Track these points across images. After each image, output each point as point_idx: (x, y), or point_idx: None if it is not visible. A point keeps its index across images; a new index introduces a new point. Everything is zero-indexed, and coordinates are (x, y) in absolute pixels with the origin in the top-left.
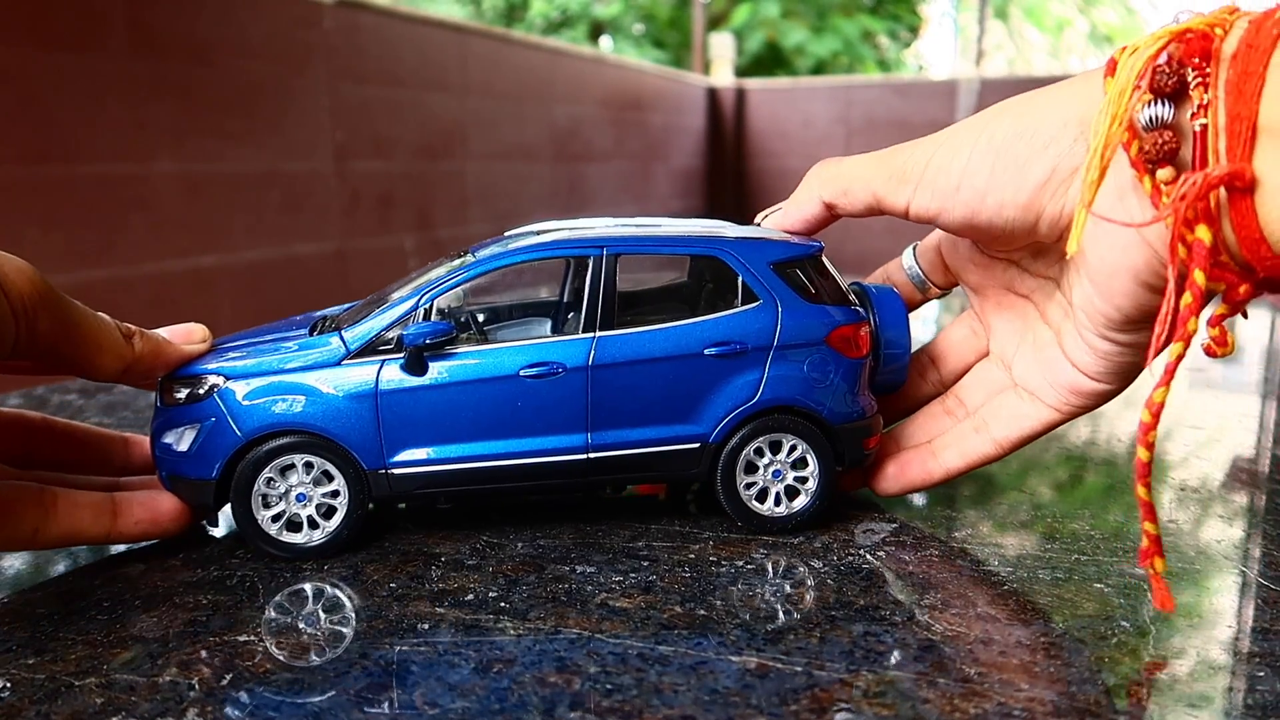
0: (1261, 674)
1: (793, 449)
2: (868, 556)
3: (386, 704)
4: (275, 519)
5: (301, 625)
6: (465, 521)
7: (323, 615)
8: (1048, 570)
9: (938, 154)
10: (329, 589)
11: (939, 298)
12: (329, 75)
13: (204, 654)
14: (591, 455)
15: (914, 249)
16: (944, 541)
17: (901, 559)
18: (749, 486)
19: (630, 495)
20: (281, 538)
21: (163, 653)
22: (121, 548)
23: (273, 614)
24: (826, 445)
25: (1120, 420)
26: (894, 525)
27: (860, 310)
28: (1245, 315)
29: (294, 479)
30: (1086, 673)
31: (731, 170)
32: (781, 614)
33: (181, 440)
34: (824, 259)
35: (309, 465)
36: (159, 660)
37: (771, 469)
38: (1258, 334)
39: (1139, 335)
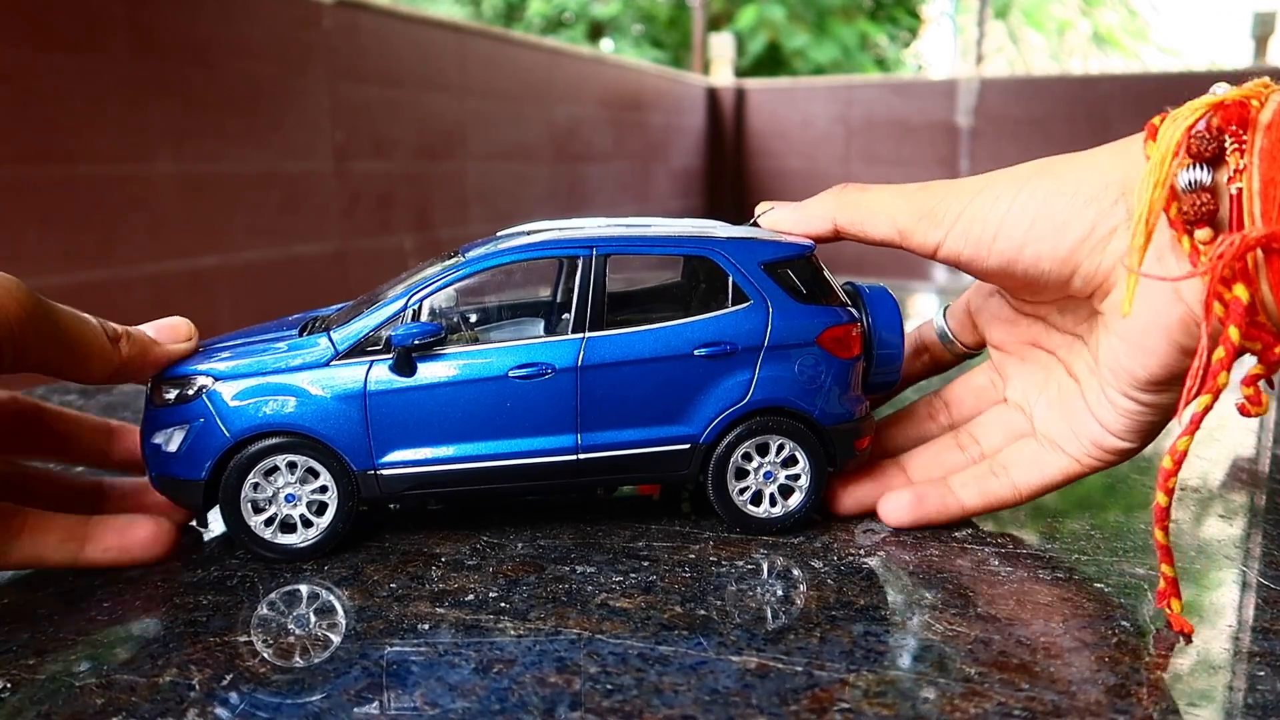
0: (1262, 673)
1: (780, 448)
2: (868, 556)
3: (387, 704)
4: (268, 523)
5: (301, 626)
6: (465, 522)
7: (323, 616)
8: (1048, 570)
9: (974, 202)
10: (329, 590)
11: (968, 358)
12: (329, 75)
13: (204, 654)
14: (582, 456)
15: (944, 310)
16: (944, 541)
17: (901, 559)
18: (741, 492)
19: (629, 495)
20: (276, 540)
21: (163, 653)
22: None
23: (273, 614)
24: (817, 445)
25: None
26: None
27: (852, 311)
28: (1272, 385)
29: (280, 481)
30: (1086, 673)
31: (731, 170)
32: (782, 614)
33: (170, 441)
34: (816, 259)
35: (292, 465)
36: (159, 660)
37: (762, 470)
38: None
39: (1163, 397)
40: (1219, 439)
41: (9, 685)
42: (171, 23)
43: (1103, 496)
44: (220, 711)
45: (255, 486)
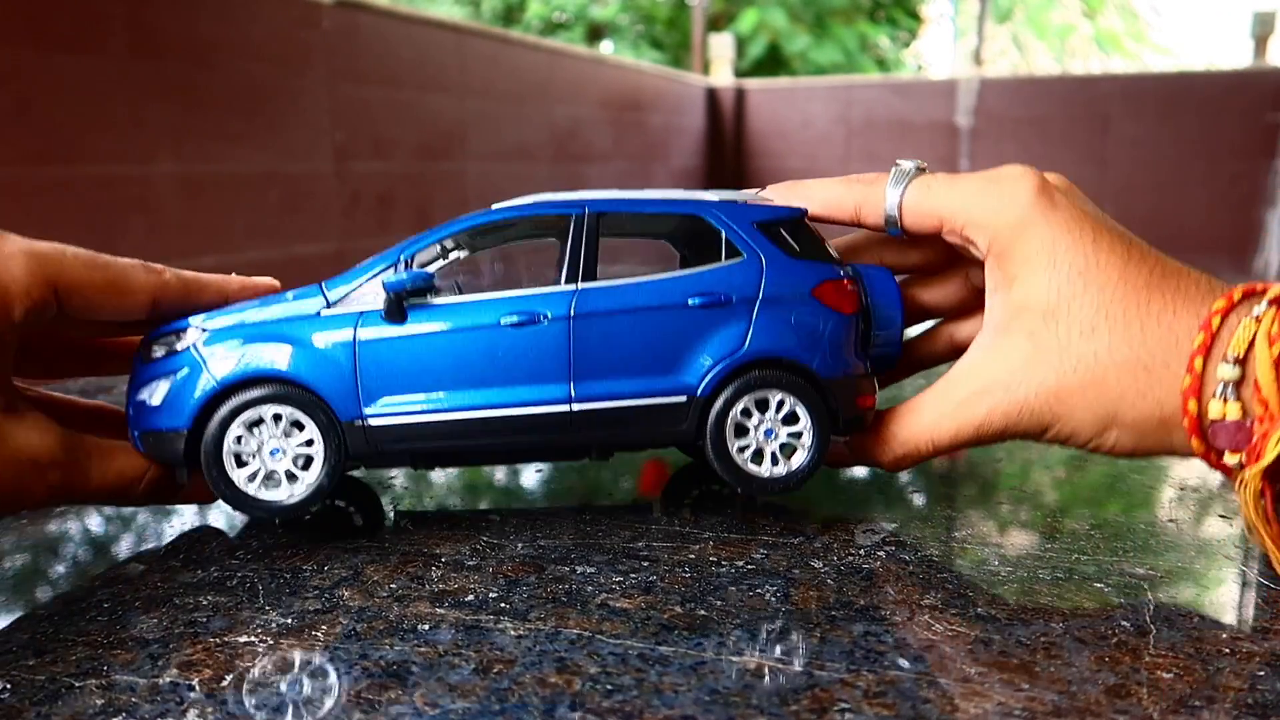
0: (1262, 673)
1: (781, 403)
2: (868, 556)
3: (387, 705)
4: (251, 478)
5: (302, 626)
6: (465, 522)
7: (322, 616)
8: (1048, 570)
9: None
10: (329, 590)
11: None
12: (329, 75)
13: (204, 654)
14: (575, 408)
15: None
16: (944, 541)
17: (901, 559)
18: (742, 450)
19: (630, 496)
20: (260, 496)
21: (163, 654)
22: (123, 549)
23: (273, 615)
24: (817, 398)
25: None
26: (894, 525)
27: (847, 268)
28: None
29: (264, 433)
30: (1086, 673)
31: (731, 170)
32: (782, 614)
33: (155, 394)
34: (808, 224)
35: (277, 417)
36: (159, 661)
37: (763, 428)
38: None
39: None
40: None
41: (9, 686)
42: (171, 23)
43: (1103, 495)
44: (220, 712)
45: (239, 440)
